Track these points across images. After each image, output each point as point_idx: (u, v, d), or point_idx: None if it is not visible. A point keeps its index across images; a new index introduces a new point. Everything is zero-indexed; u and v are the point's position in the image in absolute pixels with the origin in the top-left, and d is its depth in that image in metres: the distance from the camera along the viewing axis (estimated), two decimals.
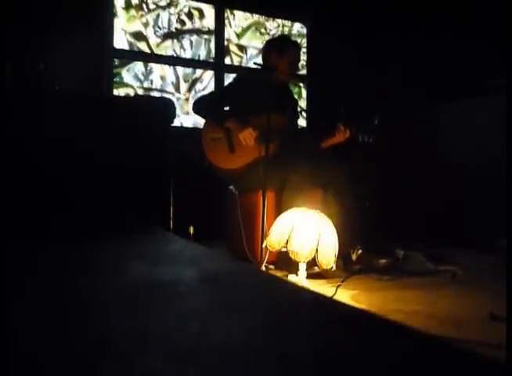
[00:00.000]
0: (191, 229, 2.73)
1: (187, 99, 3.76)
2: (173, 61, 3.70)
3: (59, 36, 2.93)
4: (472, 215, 3.05)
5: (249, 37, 3.99)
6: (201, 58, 3.80)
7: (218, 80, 3.81)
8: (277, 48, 2.58)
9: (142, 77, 3.61)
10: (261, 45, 3.82)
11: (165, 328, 0.61)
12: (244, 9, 3.95)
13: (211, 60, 3.81)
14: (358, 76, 3.78)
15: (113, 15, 3.41)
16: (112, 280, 0.92)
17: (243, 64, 3.96)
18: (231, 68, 3.88)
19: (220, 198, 2.70)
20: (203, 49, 3.79)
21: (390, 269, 2.27)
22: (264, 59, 2.65)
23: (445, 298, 1.81)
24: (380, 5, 3.88)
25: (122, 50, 3.47)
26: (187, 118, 3.62)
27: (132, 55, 3.54)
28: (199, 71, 3.82)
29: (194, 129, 2.83)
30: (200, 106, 2.58)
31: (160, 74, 3.69)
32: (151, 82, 3.65)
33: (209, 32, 3.78)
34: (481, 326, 1.41)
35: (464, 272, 2.17)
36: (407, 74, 3.72)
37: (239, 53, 3.94)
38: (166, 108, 2.30)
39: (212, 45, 3.77)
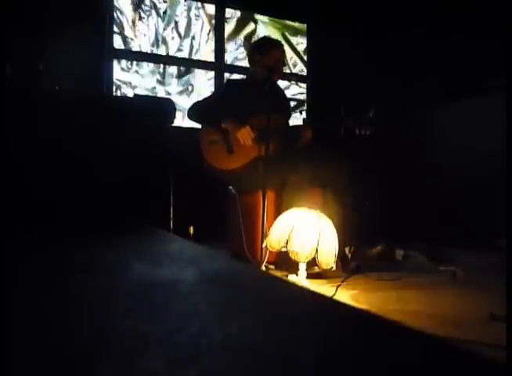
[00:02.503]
0: (191, 229, 2.73)
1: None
2: (173, 61, 3.70)
3: (59, 36, 2.93)
4: (471, 215, 3.05)
5: None
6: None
7: (218, 80, 3.81)
8: (260, 49, 2.61)
9: None
10: None
11: (165, 328, 0.61)
12: (244, 9, 3.96)
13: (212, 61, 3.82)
14: (358, 76, 3.78)
15: (113, 15, 3.41)
16: (112, 279, 0.92)
17: None
18: (231, 68, 3.88)
19: (220, 198, 2.70)
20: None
21: (389, 268, 2.28)
22: (249, 61, 2.68)
23: (445, 298, 1.82)
24: (380, 5, 3.89)
25: (122, 50, 3.47)
26: None
27: (132, 55, 3.54)
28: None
29: (194, 129, 2.83)
30: (194, 113, 2.58)
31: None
32: None
33: None
34: (481, 326, 1.41)
35: (464, 272, 2.17)
36: (407, 73, 3.73)
37: None
38: (166, 108, 2.30)
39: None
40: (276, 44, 2.67)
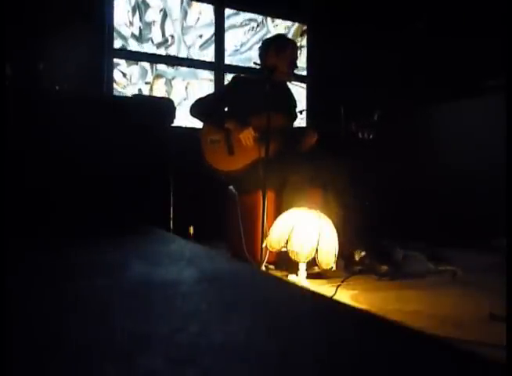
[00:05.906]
0: (191, 229, 2.73)
1: None
2: (173, 61, 3.70)
3: (59, 36, 2.93)
4: (471, 215, 3.05)
5: None
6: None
7: (218, 80, 3.81)
8: (276, 47, 2.57)
9: None
10: None
11: (165, 328, 0.61)
12: (244, 9, 3.95)
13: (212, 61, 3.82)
14: (358, 76, 3.78)
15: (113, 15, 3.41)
16: (111, 279, 0.92)
17: None
18: (231, 68, 3.88)
19: (220, 198, 2.70)
20: None
21: (389, 268, 2.27)
22: (262, 59, 2.64)
23: (445, 298, 1.81)
24: (381, 5, 3.89)
25: (122, 50, 3.47)
26: None
27: (132, 55, 3.54)
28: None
29: (194, 129, 2.83)
30: (198, 109, 2.56)
31: None
32: None
33: None
34: (481, 326, 1.41)
35: (464, 272, 2.17)
36: (407, 73, 3.72)
37: None
38: (166, 108, 2.30)
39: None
40: (292, 43, 2.66)
